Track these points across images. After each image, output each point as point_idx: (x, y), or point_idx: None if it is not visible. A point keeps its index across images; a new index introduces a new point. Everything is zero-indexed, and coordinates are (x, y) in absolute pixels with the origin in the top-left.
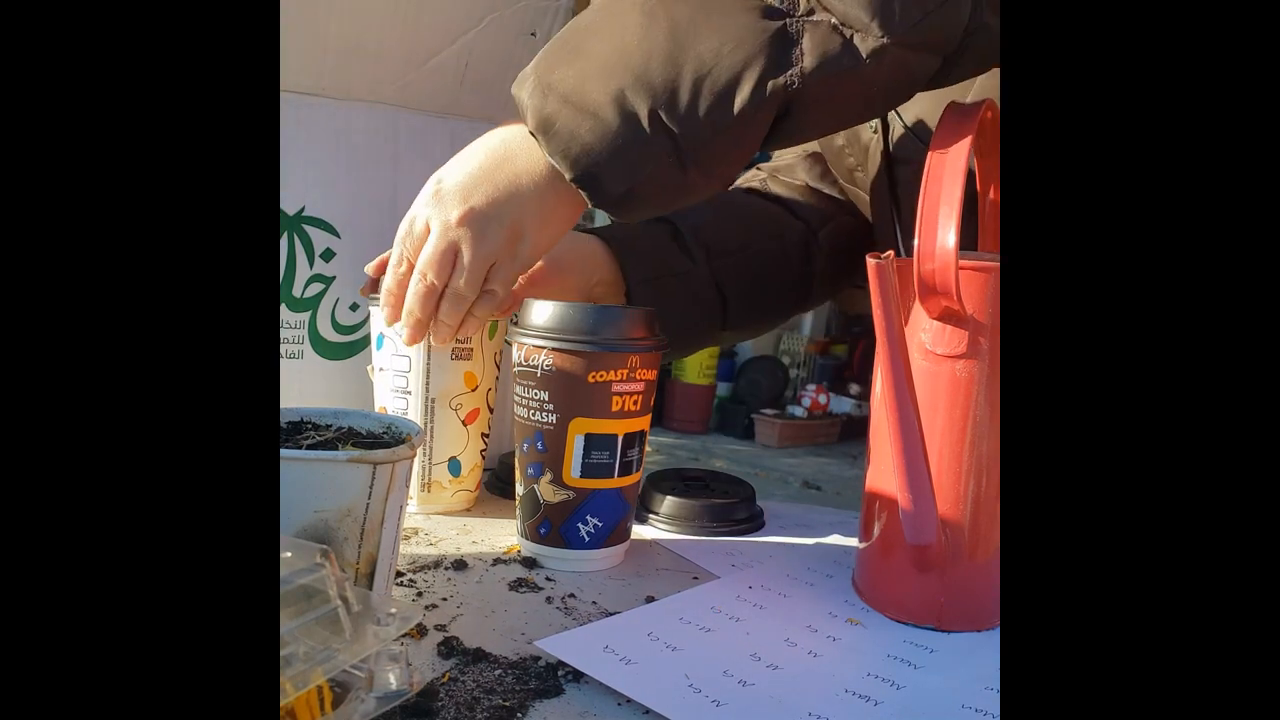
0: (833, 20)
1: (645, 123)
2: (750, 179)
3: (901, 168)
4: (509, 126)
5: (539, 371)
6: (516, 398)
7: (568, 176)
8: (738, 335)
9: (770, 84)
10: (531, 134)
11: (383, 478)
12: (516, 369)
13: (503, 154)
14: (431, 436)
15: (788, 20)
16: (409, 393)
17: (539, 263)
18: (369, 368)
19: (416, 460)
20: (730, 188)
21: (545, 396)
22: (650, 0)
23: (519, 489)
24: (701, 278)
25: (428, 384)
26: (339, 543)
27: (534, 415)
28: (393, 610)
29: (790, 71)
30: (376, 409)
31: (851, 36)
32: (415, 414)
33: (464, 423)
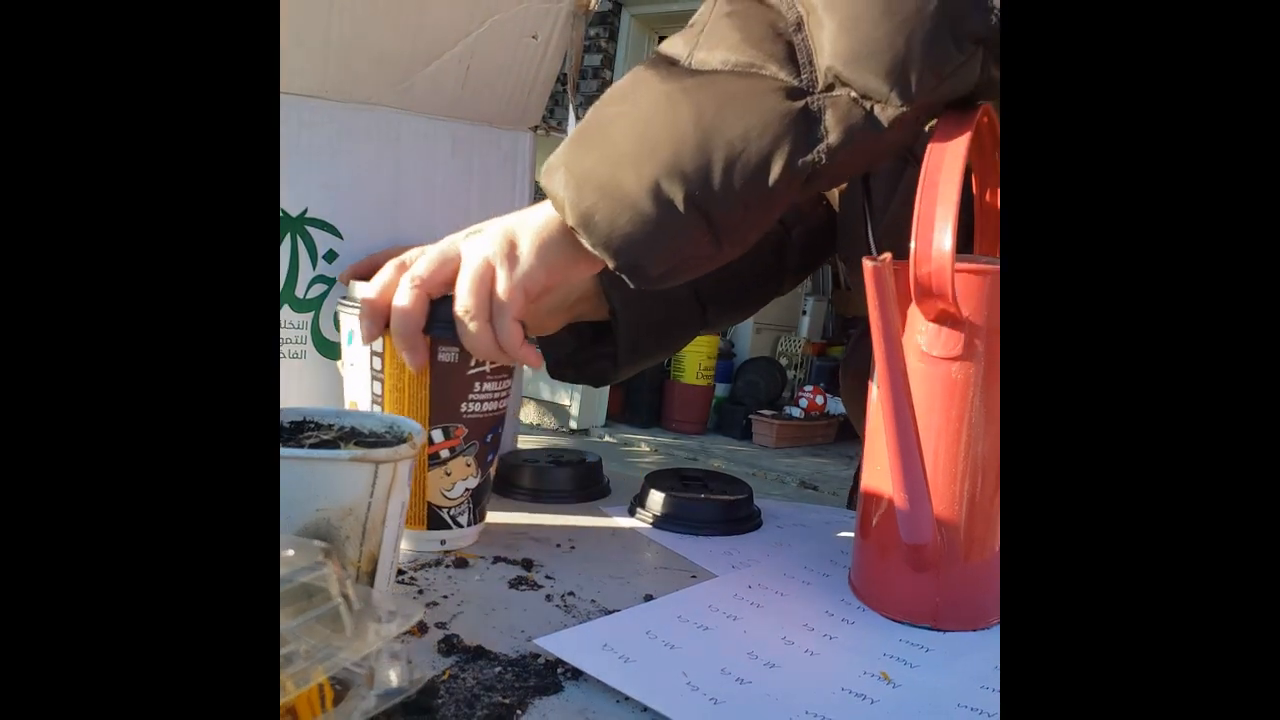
0: (852, 94)
1: (681, 208)
2: None
3: None
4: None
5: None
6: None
7: (611, 265)
8: (712, 331)
9: (800, 161)
10: (571, 228)
11: (385, 477)
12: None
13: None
14: None
15: (809, 99)
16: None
17: None
18: (339, 363)
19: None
20: None
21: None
22: (671, 88)
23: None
24: (680, 290)
25: None
26: (341, 541)
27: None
28: (393, 608)
29: (818, 148)
30: (346, 405)
31: (872, 108)
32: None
33: None
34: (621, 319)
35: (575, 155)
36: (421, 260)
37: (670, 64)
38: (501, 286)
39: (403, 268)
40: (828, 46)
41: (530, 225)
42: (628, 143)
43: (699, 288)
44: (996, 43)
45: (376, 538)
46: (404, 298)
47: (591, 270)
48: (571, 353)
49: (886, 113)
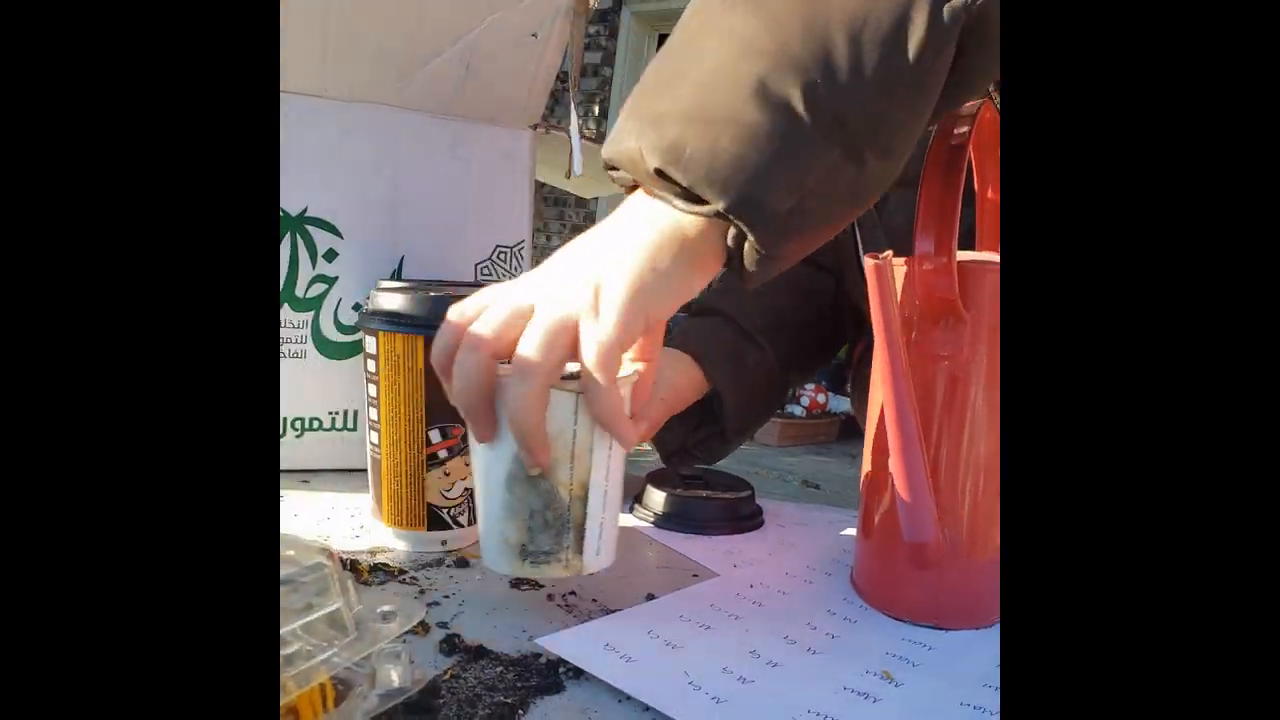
0: None
1: (802, 108)
2: None
3: None
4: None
5: None
6: None
7: (721, 206)
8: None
9: (947, 9)
10: (658, 172)
11: (586, 408)
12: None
13: (606, 231)
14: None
15: None
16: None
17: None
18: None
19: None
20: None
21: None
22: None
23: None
24: (769, 363)
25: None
26: (553, 463)
27: None
28: (394, 608)
29: None
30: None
31: None
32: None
33: None
34: (726, 397)
35: (641, 104)
36: (486, 315)
37: None
38: (591, 350)
39: (459, 329)
40: None
41: (618, 254)
42: (709, 63)
43: (781, 353)
44: None
45: (585, 464)
46: (466, 363)
47: (706, 279)
48: (681, 440)
49: None
